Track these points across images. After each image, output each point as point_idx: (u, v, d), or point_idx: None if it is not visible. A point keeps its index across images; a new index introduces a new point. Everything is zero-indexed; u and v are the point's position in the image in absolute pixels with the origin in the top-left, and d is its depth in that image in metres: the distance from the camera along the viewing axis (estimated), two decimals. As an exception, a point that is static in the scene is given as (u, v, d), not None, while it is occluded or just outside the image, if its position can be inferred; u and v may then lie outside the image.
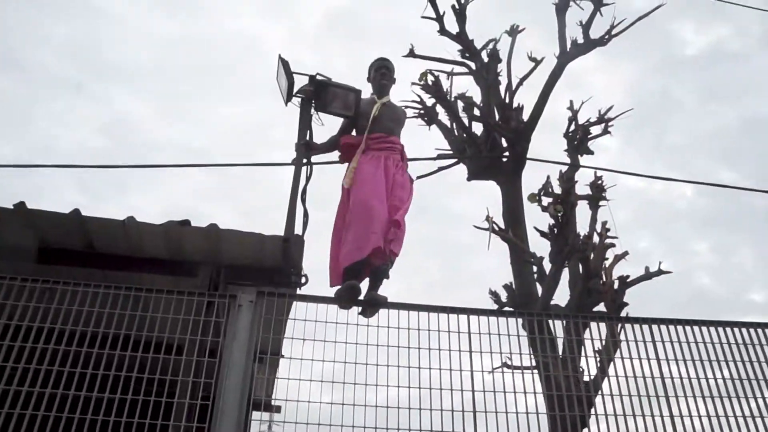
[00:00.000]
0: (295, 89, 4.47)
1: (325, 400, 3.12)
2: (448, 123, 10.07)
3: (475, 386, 3.22)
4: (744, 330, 3.71)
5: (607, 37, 8.72)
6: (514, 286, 8.28)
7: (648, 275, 7.56)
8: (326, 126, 4.54)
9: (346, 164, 4.33)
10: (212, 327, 3.38)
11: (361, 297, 3.75)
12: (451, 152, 9.76)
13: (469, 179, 9.44)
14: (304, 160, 4.29)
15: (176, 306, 3.39)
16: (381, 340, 3.38)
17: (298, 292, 3.94)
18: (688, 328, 3.65)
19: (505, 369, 3.38)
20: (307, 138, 4.37)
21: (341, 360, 3.28)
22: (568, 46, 8.93)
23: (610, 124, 10.45)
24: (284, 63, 4.49)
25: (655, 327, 3.63)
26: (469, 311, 3.57)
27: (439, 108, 9.96)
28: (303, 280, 4.19)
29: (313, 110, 4.50)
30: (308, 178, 4.30)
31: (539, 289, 7.91)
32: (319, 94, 4.48)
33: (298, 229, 4.12)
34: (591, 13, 8.69)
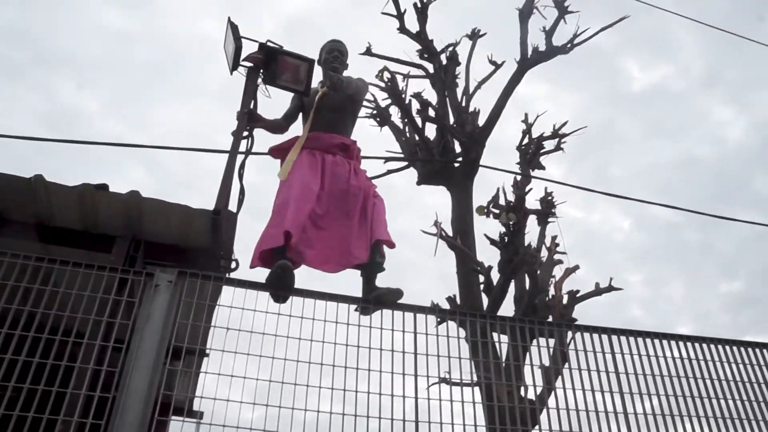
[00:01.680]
0: (244, 56, 4.02)
1: (255, 404, 2.67)
2: (400, 125, 9.77)
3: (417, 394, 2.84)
4: (705, 345, 3.49)
5: (569, 45, 8.56)
6: (458, 298, 7.98)
7: (598, 291, 7.36)
8: (273, 99, 4.11)
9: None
10: (122, 309, 2.90)
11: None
12: (401, 155, 9.45)
13: (419, 183, 9.13)
14: (246, 132, 3.85)
15: (82, 282, 2.90)
16: (317, 336, 2.96)
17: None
18: (640, 340, 3.38)
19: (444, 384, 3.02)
20: (251, 108, 3.92)
21: (271, 356, 2.84)
22: (530, 53, 8.72)
23: (563, 140, 10.39)
24: (233, 27, 4.03)
25: (606, 337, 3.33)
26: (416, 309, 3.20)
27: (392, 110, 9.67)
28: (233, 264, 3.73)
29: (260, 81, 4.06)
30: (248, 151, 3.85)
31: (485, 301, 7.63)
32: (269, 63, 4.04)
33: (232, 208, 3.68)
34: (555, 20, 8.54)
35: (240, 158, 3.76)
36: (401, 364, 2.94)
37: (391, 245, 3.60)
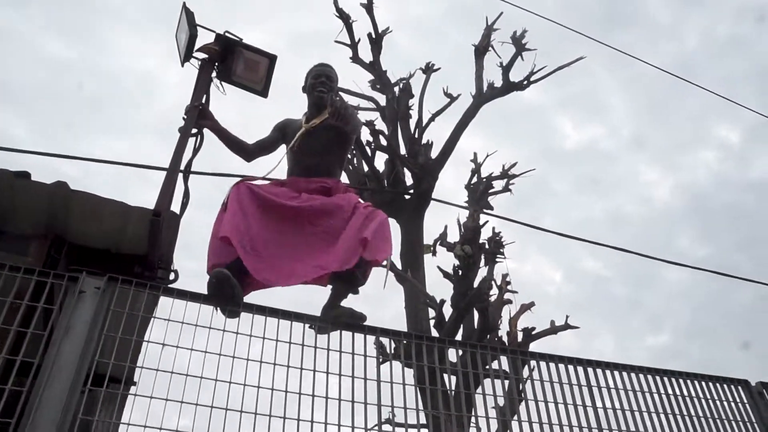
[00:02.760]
0: (198, 46, 3.62)
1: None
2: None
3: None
4: (678, 380, 3.22)
5: (526, 82, 8.49)
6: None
7: (554, 329, 7.12)
8: (228, 96, 3.70)
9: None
10: (37, 318, 2.41)
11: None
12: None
13: (367, 215, 8.76)
14: (195, 130, 3.42)
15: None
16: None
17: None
18: (600, 371, 3.07)
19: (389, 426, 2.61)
20: (203, 103, 3.50)
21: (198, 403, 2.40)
22: (485, 88, 8.61)
23: (511, 182, 10.32)
24: (188, 13, 3.63)
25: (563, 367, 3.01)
26: (378, 331, 2.83)
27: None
28: (172, 275, 3.26)
29: (214, 75, 3.66)
30: (196, 150, 3.41)
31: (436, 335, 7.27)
32: (226, 56, 3.65)
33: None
34: (512, 57, 8.48)
35: (187, 157, 3.34)
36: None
37: (376, 264, 3.07)
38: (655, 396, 3.05)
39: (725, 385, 3.30)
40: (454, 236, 8.60)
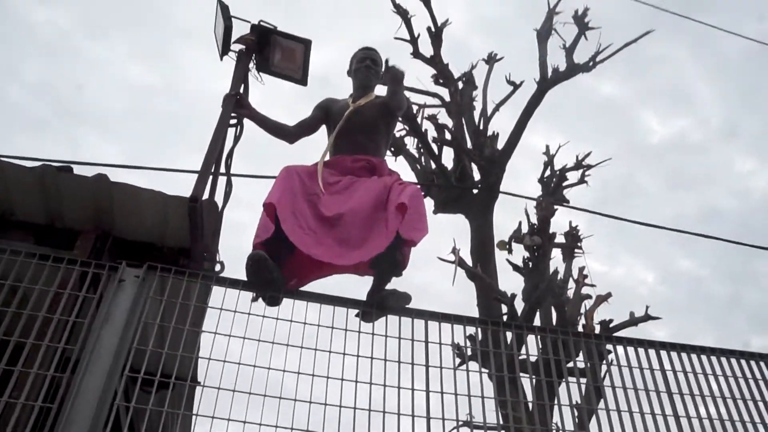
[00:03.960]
0: (234, 38, 3.62)
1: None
2: (416, 153, 9.37)
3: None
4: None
5: (592, 63, 8.15)
6: (479, 333, 7.37)
7: (633, 321, 6.73)
8: (267, 86, 3.68)
9: None
10: (78, 306, 2.43)
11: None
12: (416, 183, 9.01)
13: (435, 212, 8.63)
14: (234, 120, 3.40)
15: (34, 275, 2.45)
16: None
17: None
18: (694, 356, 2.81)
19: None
20: (240, 92, 3.48)
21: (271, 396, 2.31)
22: (549, 73, 8.33)
23: (587, 173, 9.89)
24: (223, 6, 3.64)
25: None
26: (426, 314, 2.69)
27: (406, 140, 9.29)
28: (218, 267, 3.24)
29: (252, 66, 3.65)
30: (237, 139, 3.40)
31: (509, 334, 7.03)
32: (262, 46, 3.64)
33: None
34: (575, 37, 8.15)
35: (228, 146, 3.33)
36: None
37: (413, 244, 2.89)
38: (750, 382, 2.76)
39: None
40: (525, 228, 8.35)
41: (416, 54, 9.13)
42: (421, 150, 9.19)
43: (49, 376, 2.18)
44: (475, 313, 7.59)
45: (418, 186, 3.15)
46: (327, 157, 3.32)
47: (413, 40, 9.10)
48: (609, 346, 2.87)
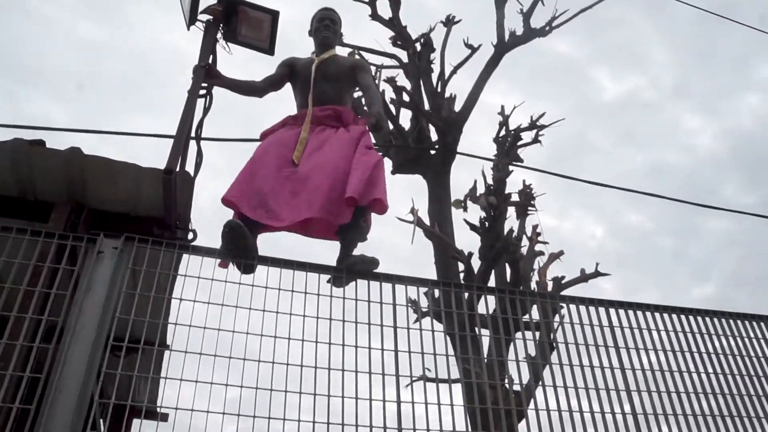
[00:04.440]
0: (201, 8, 3.65)
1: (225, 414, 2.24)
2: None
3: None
4: (713, 320, 3.18)
5: (548, 28, 8.31)
6: (441, 294, 7.62)
7: (584, 277, 7.07)
8: (234, 55, 3.74)
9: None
10: (59, 280, 2.50)
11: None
12: (375, 144, 9.11)
13: (393, 173, 8.77)
14: (203, 90, 3.46)
15: (12, 250, 2.50)
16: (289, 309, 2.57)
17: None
18: (639, 313, 3.05)
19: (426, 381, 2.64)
20: (210, 63, 3.53)
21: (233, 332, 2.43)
22: (507, 37, 8.45)
23: (540, 133, 10.14)
24: (189, -25, 3.66)
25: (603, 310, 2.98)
26: (394, 278, 2.84)
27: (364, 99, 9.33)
28: (190, 235, 3.33)
29: (219, 36, 3.69)
30: (206, 110, 3.46)
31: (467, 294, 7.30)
32: (229, 16, 3.68)
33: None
34: (532, 2, 8.27)
35: (198, 117, 3.39)
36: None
37: (382, 210, 3.04)
38: (696, 336, 3.02)
39: (755, 322, 3.25)
40: (482, 189, 8.58)
41: (374, 16, 9.13)
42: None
43: (35, 347, 2.27)
44: (432, 269, 7.84)
45: (380, 154, 3.26)
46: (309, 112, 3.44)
47: (372, 2, 9.09)
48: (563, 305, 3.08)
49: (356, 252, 3.11)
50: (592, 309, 2.97)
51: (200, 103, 3.45)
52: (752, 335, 3.18)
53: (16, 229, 2.55)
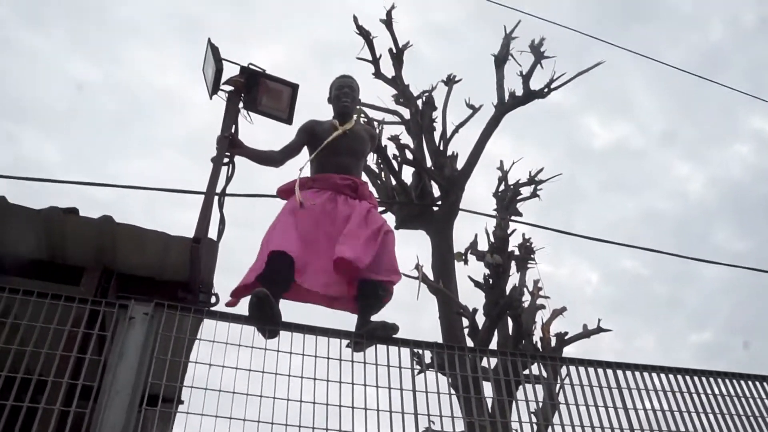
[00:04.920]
0: (224, 79, 3.83)
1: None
2: (376, 169, 9.65)
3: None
4: (708, 380, 3.25)
5: (547, 89, 8.59)
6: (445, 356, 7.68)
7: (586, 333, 7.16)
8: (255, 125, 3.90)
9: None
10: (93, 345, 2.60)
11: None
12: (379, 199, 9.29)
13: (397, 227, 8.92)
14: (226, 159, 3.62)
15: (47, 316, 2.60)
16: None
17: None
18: (646, 374, 3.14)
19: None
20: (232, 133, 3.69)
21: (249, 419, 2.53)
22: (506, 97, 8.73)
23: (539, 187, 10.37)
24: (213, 48, 3.85)
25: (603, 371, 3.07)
26: (411, 343, 2.96)
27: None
28: (213, 299, 3.45)
29: (241, 105, 3.86)
30: (229, 179, 3.61)
31: (470, 344, 7.39)
32: (251, 87, 3.86)
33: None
34: (531, 65, 8.58)
35: (221, 185, 3.54)
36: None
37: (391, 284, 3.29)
38: (695, 396, 3.09)
39: (751, 382, 3.34)
40: (484, 244, 8.73)
41: (378, 74, 9.42)
42: (381, 166, 9.46)
43: (72, 412, 2.36)
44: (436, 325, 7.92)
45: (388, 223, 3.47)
46: (308, 173, 3.61)
47: (375, 61, 9.39)
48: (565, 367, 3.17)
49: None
50: (591, 370, 3.06)
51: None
52: (749, 395, 3.26)
53: (51, 295, 2.67)
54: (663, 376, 3.18)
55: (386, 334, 3.02)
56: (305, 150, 3.82)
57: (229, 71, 3.85)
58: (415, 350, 3.05)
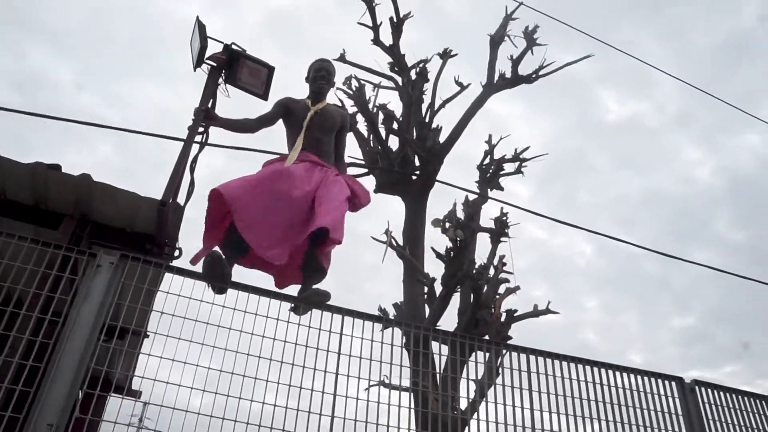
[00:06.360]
0: (208, 55, 4.21)
1: (205, 390, 2.80)
2: (365, 132, 10.00)
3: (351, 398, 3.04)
4: (622, 374, 3.69)
5: (534, 75, 8.89)
6: (403, 305, 8.22)
7: (536, 312, 7.66)
8: (232, 99, 4.30)
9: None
10: (63, 285, 3.06)
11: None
12: (362, 161, 9.68)
13: (376, 191, 9.35)
14: (201, 129, 4.03)
15: (26, 256, 3.05)
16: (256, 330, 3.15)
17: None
18: (565, 363, 3.61)
19: (382, 387, 3.23)
20: (209, 106, 4.10)
21: (217, 346, 3.00)
22: (496, 78, 9.03)
23: (524, 164, 10.69)
24: (200, 26, 4.22)
25: (533, 358, 3.55)
26: (355, 313, 3.42)
27: (358, 117, 9.89)
28: (177, 252, 3.91)
29: (221, 80, 4.25)
30: (201, 147, 4.04)
31: (427, 310, 7.89)
32: (232, 64, 4.25)
33: (181, 200, 3.87)
34: (522, 50, 8.85)
35: (194, 152, 3.96)
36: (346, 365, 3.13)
37: (336, 242, 3.57)
38: (597, 386, 3.52)
39: (660, 380, 3.79)
40: (461, 213, 9.11)
41: (376, 41, 9.69)
42: (368, 130, 9.81)
43: (38, 341, 2.83)
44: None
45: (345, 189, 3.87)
46: (297, 149, 3.98)
47: (375, 28, 9.64)
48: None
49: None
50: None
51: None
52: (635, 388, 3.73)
53: (30, 239, 3.11)
54: (562, 363, 3.66)
55: (320, 300, 3.48)
56: (280, 122, 4.23)
57: (213, 49, 4.25)
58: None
